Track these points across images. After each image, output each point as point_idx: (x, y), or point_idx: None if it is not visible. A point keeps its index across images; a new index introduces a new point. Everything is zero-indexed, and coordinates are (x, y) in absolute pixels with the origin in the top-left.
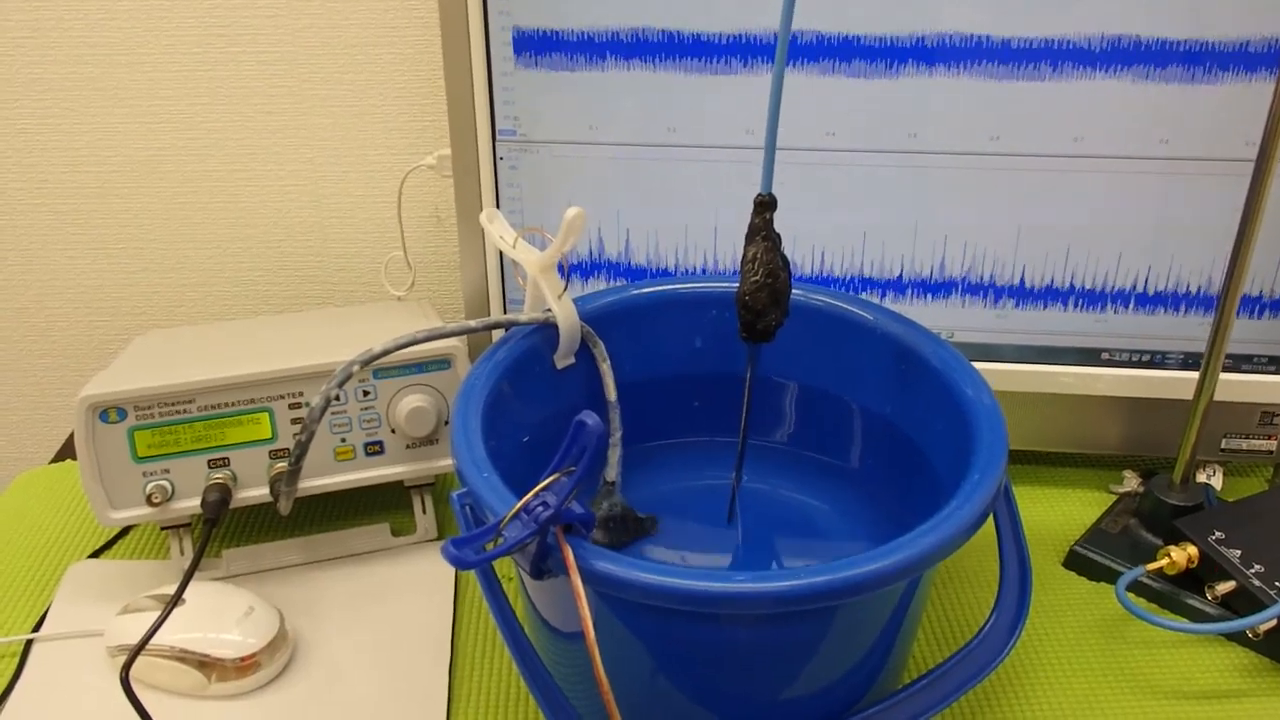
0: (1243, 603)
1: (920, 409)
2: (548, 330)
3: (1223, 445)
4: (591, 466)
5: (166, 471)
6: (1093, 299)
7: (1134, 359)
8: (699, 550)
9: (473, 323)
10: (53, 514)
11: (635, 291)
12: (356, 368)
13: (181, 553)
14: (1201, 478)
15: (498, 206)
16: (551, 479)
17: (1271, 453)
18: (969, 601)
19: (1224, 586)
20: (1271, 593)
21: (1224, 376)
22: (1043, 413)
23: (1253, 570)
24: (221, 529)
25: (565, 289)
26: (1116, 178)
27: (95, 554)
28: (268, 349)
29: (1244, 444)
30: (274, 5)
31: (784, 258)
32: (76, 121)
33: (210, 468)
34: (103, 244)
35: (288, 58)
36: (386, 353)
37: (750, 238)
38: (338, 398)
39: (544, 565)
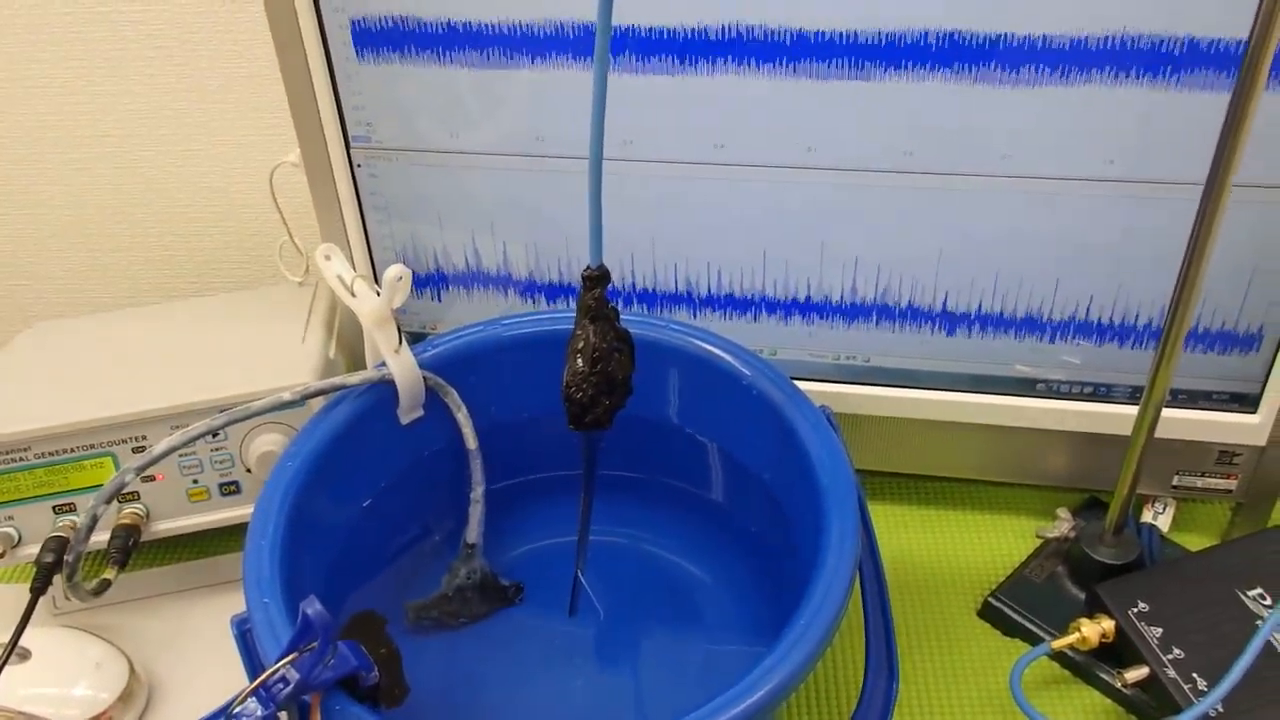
0: (1156, 692)
1: (794, 488)
2: (388, 385)
3: (1174, 482)
4: (326, 648)
5: (10, 518)
6: (1027, 327)
7: (1075, 390)
8: (555, 632)
9: (286, 394)
10: None
11: (493, 332)
12: (130, 475)
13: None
14: (1148, 515)
15: (361, 216)
16: (292, 656)
17: (1230, 492)
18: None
19: (1135, 674)
20: (1186, 688)
21: (1179, 413)
22: (972, 442)
23: (1170, 656)
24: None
25: (401, 341)
26: (1053, 199)
27: None
28: (121, 379)
29: (1198, 482)
30: None
31: (620, 334)
32: None
33: (56, 513)
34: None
35: (167, 18)
36: (166, 454)
37: (578, 318)
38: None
39: None
